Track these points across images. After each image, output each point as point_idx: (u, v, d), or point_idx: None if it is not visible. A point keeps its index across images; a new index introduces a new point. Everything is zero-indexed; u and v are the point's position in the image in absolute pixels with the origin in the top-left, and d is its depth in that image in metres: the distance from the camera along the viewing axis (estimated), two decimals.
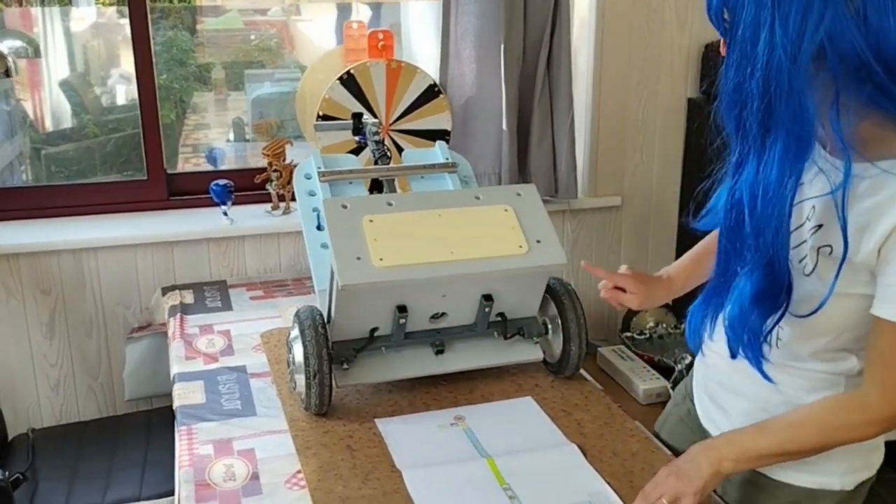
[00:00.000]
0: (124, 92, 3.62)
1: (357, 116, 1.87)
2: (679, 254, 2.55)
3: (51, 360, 2.20)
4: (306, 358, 1.43)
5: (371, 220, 1.45)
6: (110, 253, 2.17)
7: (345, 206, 1.46)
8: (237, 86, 4.81)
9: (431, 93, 2.28)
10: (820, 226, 1.08)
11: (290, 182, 2.28)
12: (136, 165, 2.74)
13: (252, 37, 4.90)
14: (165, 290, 2.14)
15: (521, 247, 1.47)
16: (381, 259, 1.40)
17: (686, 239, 1.59)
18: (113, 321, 2.22)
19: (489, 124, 2.29)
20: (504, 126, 2.24)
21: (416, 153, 1.79)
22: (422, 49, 2.48)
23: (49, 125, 3.52)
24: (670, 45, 2.41)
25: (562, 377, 1.62)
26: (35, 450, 1.95)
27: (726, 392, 1.28)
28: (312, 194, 1.68)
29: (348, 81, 2.21)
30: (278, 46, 4.69)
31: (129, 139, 3.08)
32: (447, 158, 1.75)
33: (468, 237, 1.46)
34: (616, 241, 2.56)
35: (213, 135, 4.46)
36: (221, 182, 2.20)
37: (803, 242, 1.10)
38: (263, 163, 2.28)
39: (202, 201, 2.32)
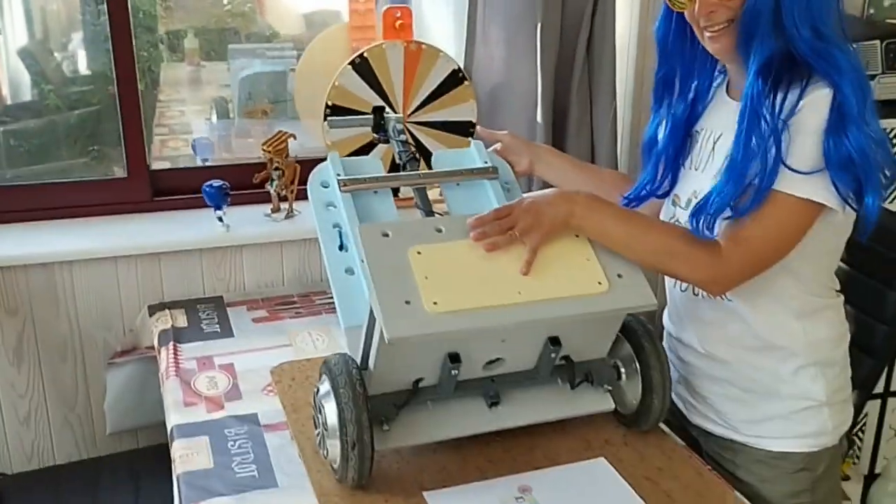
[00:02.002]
0: (86, 60, 3.30)
1: (378, 111, 1.59)
2: None
3: (19, 389, 1.91)
4: (342, 424, 1.16)
5: (419, 253, 1.18)
6: (87, 266, 1.87)
7: (386, 235, 1.19)
8: (209, 54, 4.48)
9: (455, 79, 1.99)
10: None
11: (293, 182, 2.00)
12: (102, 140, 2.51)
13: (225, 1, 4.69)
14: (153, 310, 1.86)
15: (599, 283, 1.21)
16: (434, 303, 1.14)
17: None
18: (91, 345, 1.92)
19: (519, 116, 2.01)
20: (539, 118, 1.97)
21: (447, 156, 1.52)
22: (436, 27, 2.19)
23: (7, 97, 3.21)
24: None
25: (635, 430, 1.38)
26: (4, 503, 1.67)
27: (701, 378, 1.40)
28: (331, 206, 1.41)
29: (361, 66, 1.92)
30: (252, 12, 4.44)
31: (95, 114, 2.79)
32: (486, 162, 1.48)
33: (537, 272, 1.20)
34: None
35: (191, 112, 4.13)
36: (216, 183, 1.91)
37: None
38: (253, 146, 1.99)
39: (191, 202, 2.03)
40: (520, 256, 1.20)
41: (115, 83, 1.98)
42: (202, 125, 3.73)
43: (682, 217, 1.34)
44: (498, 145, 1.52)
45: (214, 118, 3.34)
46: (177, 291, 1.93)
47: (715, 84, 1.39)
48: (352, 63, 1.92)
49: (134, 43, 1.97)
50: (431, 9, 2.13)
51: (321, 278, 2.03)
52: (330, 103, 1.92)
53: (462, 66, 2.00)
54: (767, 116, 1.19)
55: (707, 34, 1.25)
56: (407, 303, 1.13)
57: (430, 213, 1.42)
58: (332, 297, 1.99)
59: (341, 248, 1.37)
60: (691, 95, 1.38)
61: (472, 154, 1.49)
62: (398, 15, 1.95)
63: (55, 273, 1.86)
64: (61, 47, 3.89)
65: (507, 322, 1.16)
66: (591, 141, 2.05)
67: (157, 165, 2.79)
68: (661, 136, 1.42)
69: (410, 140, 1.73)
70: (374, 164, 1.48)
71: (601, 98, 2.00)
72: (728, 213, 1.22)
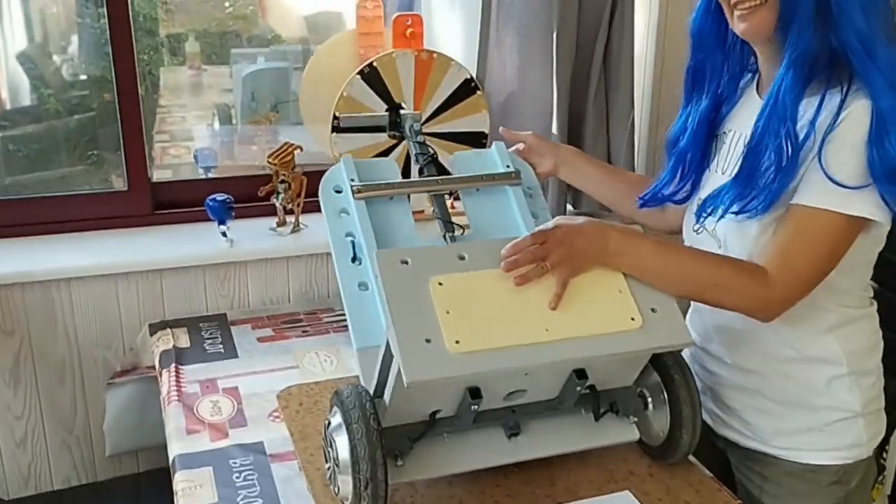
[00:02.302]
0: (86, 64, 3.26)
1: (395, 109, 1.49)
2: None
3: (15, 411, 1.84)
4: (355, 461, 1.09)
5: (440, 284, 1.11)
6: (86, 283, 1.80)
7: (405, 262, 1.12)
8: (211, 57, 4.42)
9: (467, 89, 1.92)
10: None
11: (299, 195, 1.93)
12: (102, 144, 2.48)
13: (227, 3, 4.68)
14: (154, 328, 1.79)
15: (633, 319, 1.14)
16: (457, 342, 1.06)
17: None
18: (90, 365, 1.86)
19: (534, 126, 1.94)
20: (554, 129, 1.91)
21: (467, 157, 1.42)
22: (447, 35, 2.12)
23: (6, 102, 3.17)
24: None
25: (661, 463, 1.31)
26: None
27: (729, 390, 1.34)
28: (344, 213, 1.32)
29: (370, 75, 1.85)
30: (254, 14, 4.41)
31: (94, 118, 2.75)
32: (508, 165, 1.40)
33: (566, 305, 1.13)
34: None
35: (193, 118, 4.06)
36: (219, 197, 1.84)
37: None
38: (257, 153, 1.93)
39: (193, 215, 1.96)
40: (548, 289, 1.12)
41: (115, 93, 1.91)
42: (204, 131, 3.67)
43: (708, 223, 1.29)
44: (520, 146, 1.46)
45: (217, 125, 3.27)
46: (179, 309, 1.86)
47: (743, 82, 1.32)
48: (361, 72, 1.85)
49: (135, 50, 1.90)
50: (442, 16, 2.07)
51: (329, 294, 1.96)
52: (338, 114, 1.85)
53: (474, 75, 1.93)
54: (791, 114, 1.13)
55: (737, 12, 1.17)
56: (427, 341, 1.06)
57: (448, 223, 1.33)
58: (340, 315, 1.92)
59: (354, 259, 1.28)
60: (719, 91, 1.32)
61: (493, 156, 1.41)
62: (409, 23, 1.89)
63: (53, 291, 1.79)
64: (61, 50, 3.82)
65: (533, 363, 1.09)
66: (608, 152, 1.98)
67: (157, 175, 2.73)
68: (686, 134, 1.36)
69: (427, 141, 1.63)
70: (390, 167, 1.38)
71: (618, 108, 1.93)
72: (737, 212, 1.18)
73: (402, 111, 1.47)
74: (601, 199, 1.51)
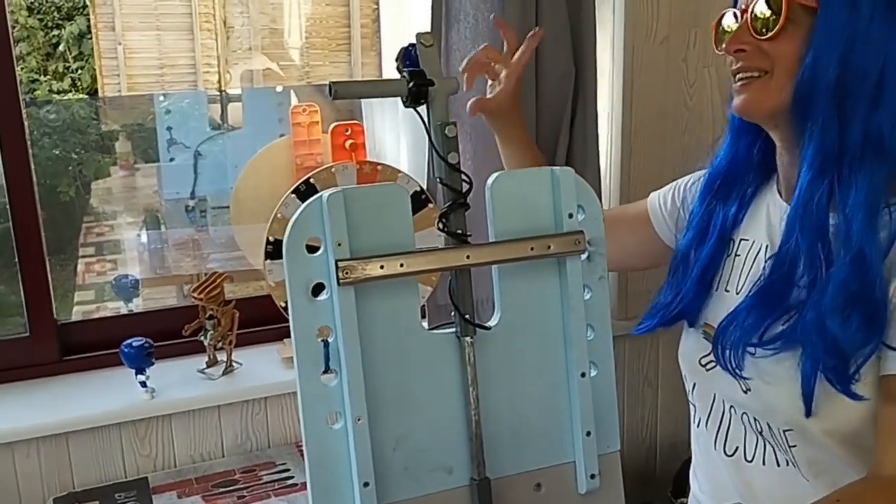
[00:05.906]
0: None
1: (417, 73, 0.90)
2: None
3: None
4: None
5: None
6: None
7: None
8: (147, 152, 4.27)
9: (418, 202, 1.72)
10: None
11: (231, 330, 1.69)
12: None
13: (162, 98, 4.60)
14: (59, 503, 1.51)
15: None
16: None
17: None
18: None
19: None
20: None
21: (511, 187, 0.95)
22: (389, 141, 1.93)
23: None
24: (712, 126, 1.92)
25: None
26: None
27: None
28: (320, 292, 0.87)
29: (307, 194, 1.63)
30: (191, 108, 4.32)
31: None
32: (571, 214, 0.92)
33: None
34: (653, 373, 2.03)
35: (122, 223, 3.83)
36: (136, 342, 1.57)
37: None
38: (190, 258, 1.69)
39: (108, 359, 1.69)
40: None
41: (9, 217, 1.65)
42: (133, 240, 3.42)
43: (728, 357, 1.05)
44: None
45: (145, 237, 3.01)
46: (91, 476, 1.58)
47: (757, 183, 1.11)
48: (296, 191, 1.63)
49: (33, 168, 1.66)
50: (386, 123, 1.88)
51: (269, 444, 1.69)
52: (272, 239, 1.62)
53: (425, 186, 1.73)
54: (823, 228, 0.94)
55: (734, 85, 0.99)
56: None
57: (470, 322, 0.91)
58: (283, 469, 1.66)
59: (327, 370, 0.87)
60: (749, 193, 1.11)
61: (558, 188, 0.92)
62: (348, 133, 1.69)
63: None
64: None
65: None
66: None
67: (79, 296, 2.45)
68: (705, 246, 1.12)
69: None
70: (397, 206, 0.88)
71: None
72: (756, 344, 0.98)
73: (429, 85, 0.90)
74: None
